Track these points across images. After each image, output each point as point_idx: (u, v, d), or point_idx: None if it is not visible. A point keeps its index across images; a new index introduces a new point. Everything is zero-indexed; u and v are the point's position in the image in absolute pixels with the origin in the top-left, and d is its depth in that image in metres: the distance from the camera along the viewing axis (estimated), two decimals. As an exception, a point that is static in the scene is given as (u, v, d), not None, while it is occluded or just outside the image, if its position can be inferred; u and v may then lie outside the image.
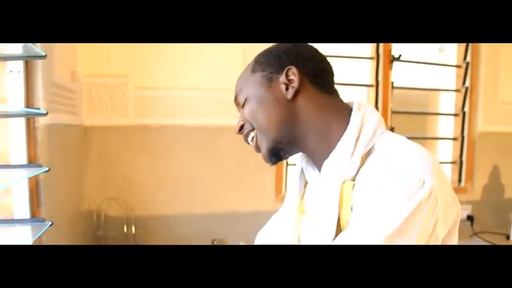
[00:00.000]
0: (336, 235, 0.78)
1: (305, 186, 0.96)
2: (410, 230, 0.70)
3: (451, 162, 2.84)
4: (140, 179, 2.25)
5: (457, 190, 2.76)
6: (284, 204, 1.04)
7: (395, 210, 0.70)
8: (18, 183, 1.28)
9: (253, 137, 0.91)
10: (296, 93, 0.85)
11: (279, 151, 0.89)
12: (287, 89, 0.85)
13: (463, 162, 2.79)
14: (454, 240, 0.80)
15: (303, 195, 0.95)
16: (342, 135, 0.81)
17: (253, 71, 0.89)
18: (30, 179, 1.29)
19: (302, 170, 0.96)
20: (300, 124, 0.85)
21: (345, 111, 0.85)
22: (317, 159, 0.87)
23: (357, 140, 0.79)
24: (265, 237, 1.04)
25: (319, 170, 0.85)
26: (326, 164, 0.82)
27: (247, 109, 0.88)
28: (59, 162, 1.61)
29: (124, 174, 2.23)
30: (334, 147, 0.81)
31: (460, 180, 2.80)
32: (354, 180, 0.78)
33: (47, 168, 1.22)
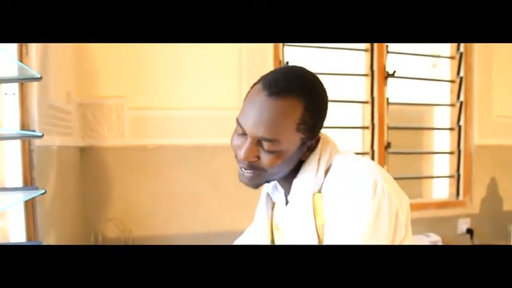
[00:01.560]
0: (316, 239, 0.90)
1: (272, 208, 1.08)
2: (382, 224, 0.83)
3: (448, 176, 2.84)
4: (138, 199, 2.23)
5: (456, 204, 2.77)
6: (251, 226, 1.16)
7: (364, 211, 0.83)
8: (14, 206, 1.27)
9: (252, 172, 0.92)
10: None
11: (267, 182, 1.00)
12: (307, 150, 0.93)
13: (461, 176, 2.79)
14: (409, 234, 0.91)
15: (272, 217, 1.07)
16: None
17: (298, 129, 0.87)
18: (26, 202, 1.28)
19: (268, 194, 1.07)
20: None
21: None
22: (284, 182, 0.98)
23: (319, 160, 0.94)
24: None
25: (285, 190, 1.00)
26: (296, 182, 0.95)
27: (271, 158, 0.88)
28: (55, 185, 1.60)
29: (121, 195, 2.21)
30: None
31: (458, 193, 2.79)
32: (320, 192, 0.91)
33: (43, 191, 1.21)
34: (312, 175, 0.93)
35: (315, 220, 0.90)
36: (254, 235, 1.14)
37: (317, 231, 0.90)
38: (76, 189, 2.06)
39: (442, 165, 2.91)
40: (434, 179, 2.97)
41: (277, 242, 1.06)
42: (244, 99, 0.91)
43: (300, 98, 0.86)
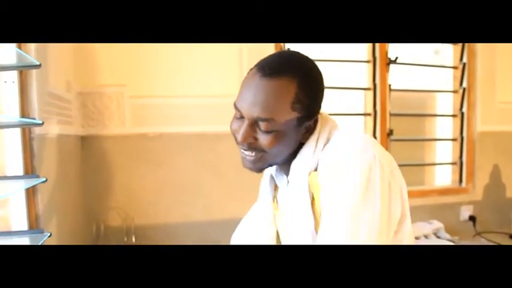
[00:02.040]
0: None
1: (275, 190, 1.08)
2: (373, 192, 0.83)
3: (451, 163, 2.83)
4: (139, 188, 2.23)
5: (459, 191, 2.76)
6: (256, 205, 1.16)
7: (354, 181, 0.83)
8: (15, 194, 1.26)
9: (253, 154, 0.94)
10: None
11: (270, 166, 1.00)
12: (305, 132, 0.94)
13: (463, 163, 2.78)
14: (407, 215, 0.91)
15: (274, 198, 1.08)
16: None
17: (293, 108, 0.89)
18: (27, 190, 1.28)
19: (271, 176, 1.07)
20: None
21: None
22: (286, 166, 0.98)
23: (317, 140, 0.94)
24: (245, 233, 1.15)
25: (286, 173, 1.00)
26: (294, 162, 0.96)
27: (270, 139, 0.90)
28: (56, 173, 1.60)
29: (122, 184, 2.21)
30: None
31: (461, 180, 2.79)
32: (316, 170, 0.92)
33: (44, 179, 1.20)
34: (310, 154, 0.94)
35: (312, 198, 0.92)
36: (257, 216, 1.14)
37: (313, 209, 0.91)
38: (77, 177, 2.05)
39: (444, 152, 2.89)
40: (437, 166, 2.96)
41: (278, 222, 1.08)
42: (241, 84, 0.93)
43: (293, 77, 0.88)
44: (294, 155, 0.96)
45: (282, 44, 2.33)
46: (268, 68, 0.88)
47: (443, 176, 2.92)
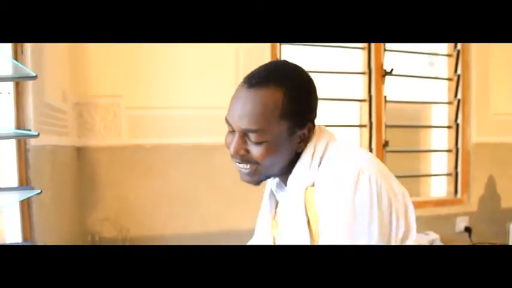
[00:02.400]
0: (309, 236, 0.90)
1: (276, 207, 1.06)
2: (371, 216, 0.82)
3: (446, 174, 2.84)
4: (135, 199, 2.22)
5: (454, 202, 2.76)
6: (257, 225, 1.14)
7: (346, 204, 0.83)
8: (9, 206, 1.25)
9: (248, 167, 0.93)
10: None
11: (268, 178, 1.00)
12: (300, 141, 0.93)
13: (459, 174, 2.79)
14: (413, 229, 0.92)
15: (275, 215, 1.06)
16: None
17: (282, 117, 0.88)
18: (21, 202, 1.27)
19: (271, 191, 1.06)
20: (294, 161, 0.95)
21: None
22: (284, 178, 0.97)
23: (313, 154, 0.92)
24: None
25: (286, 185, 0.97)
26: (291, 176, 0.94)
27: (261, 150, 0.89)
28: (51, 184, 1.59)
29: (118, 195, 2.19)
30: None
31: (456, 192, 2.79)
32: (313, 186, 0.90)
33: (39, 191, 1.20)
34: (306, 168, 0.92)
35: (307, 214, 0.90)
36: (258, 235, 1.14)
37: (309, 225, 0.90)
38: (73, 189, 2.04)
39: (439, 163, 2.90)
40: (432, 177, 2.97)
41: (276, 238, 1.06)
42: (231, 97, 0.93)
43: (280, 85, 0.88)
44: (291, 165, 0.94)
45: (278, 44, 2.35)
46: (253, 79, 0.88)
47: (438, 187, 2.93)
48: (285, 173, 0.96)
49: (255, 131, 0.88)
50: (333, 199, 0.85)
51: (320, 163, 0.92)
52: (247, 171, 0.93)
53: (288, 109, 0.88)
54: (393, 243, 0.86)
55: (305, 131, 0.92)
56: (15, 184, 1.25)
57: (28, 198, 1.29)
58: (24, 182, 1.28)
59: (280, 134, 0.89)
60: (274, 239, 1.07)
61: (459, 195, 2.78)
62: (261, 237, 1.11)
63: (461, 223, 2.73)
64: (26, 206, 1.29)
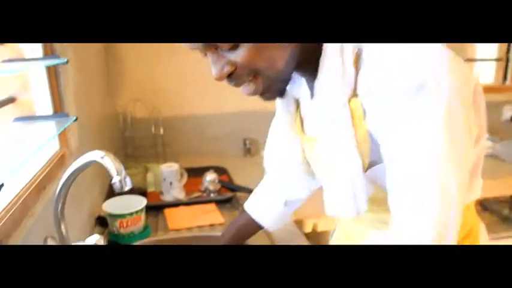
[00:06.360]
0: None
1: (297, 108, 0.90)
2: (456, 133, 0.63)
3: (495, 60, 2.64)
4: (165, 79, 2.17)
5: (501, 89, 2.60)
6: (275, 122, 1.01)
7: (430, 124, 0.62)
8: (37, 77, 1.19)
9: (249, 86, 0.73)
10: None
11: (285, 88, 0.76)
12: None
13: (510, 60, 2.58)
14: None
15: (296, 116, 0.90)
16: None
17: None
18: (49, 73, 1.20)
19: (294, 100, 0.89)
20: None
21: None
22: (305, 72, 0.78)
23: (341, 51, 0.68)
24: (275, 158, 1.04)
25: (309, 82, 0.79)
26: (318, 84, 0.72)
27: (242, 54, 0.67)
28: (76, 55, 1.50)
29: (148, 75, 2.14)
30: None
31: (505, 78, 2.61)
32: (356, 95, 0.69)
33: (65, 60, 1.12)
34: (337, 72, 0.69)
35: (355, 130, 0.70)
36: (281, 141, 0.97)
37: (357, 142, 0.71)
38: (102, 67, 1.98)
39: (488, 46, 2.69)
40: (478, 61, 2.77)
41: (308, 152, 0.90)
42: None
43: None
44: (303, 55, 0.70)
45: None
46: None
47: (485, 73, 2.74)
48: (299, 68, 0.73)
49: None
50: (400, 117, 0.63)
51: (357, 60, 0.69)
52: (252, 89, 0.73)
53: None
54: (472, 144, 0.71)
55: None
56: (40, 54, 1.16)
57: (55, 68, 1.21)
58: (49, 52, 1.19)
59: None
60: (303, 152, 0.91)
61: (508, 81, 2.61)
62: (289, 147, 0.93)
63: (508, 112, 2.59)
64: (53, 77, 1.22)
